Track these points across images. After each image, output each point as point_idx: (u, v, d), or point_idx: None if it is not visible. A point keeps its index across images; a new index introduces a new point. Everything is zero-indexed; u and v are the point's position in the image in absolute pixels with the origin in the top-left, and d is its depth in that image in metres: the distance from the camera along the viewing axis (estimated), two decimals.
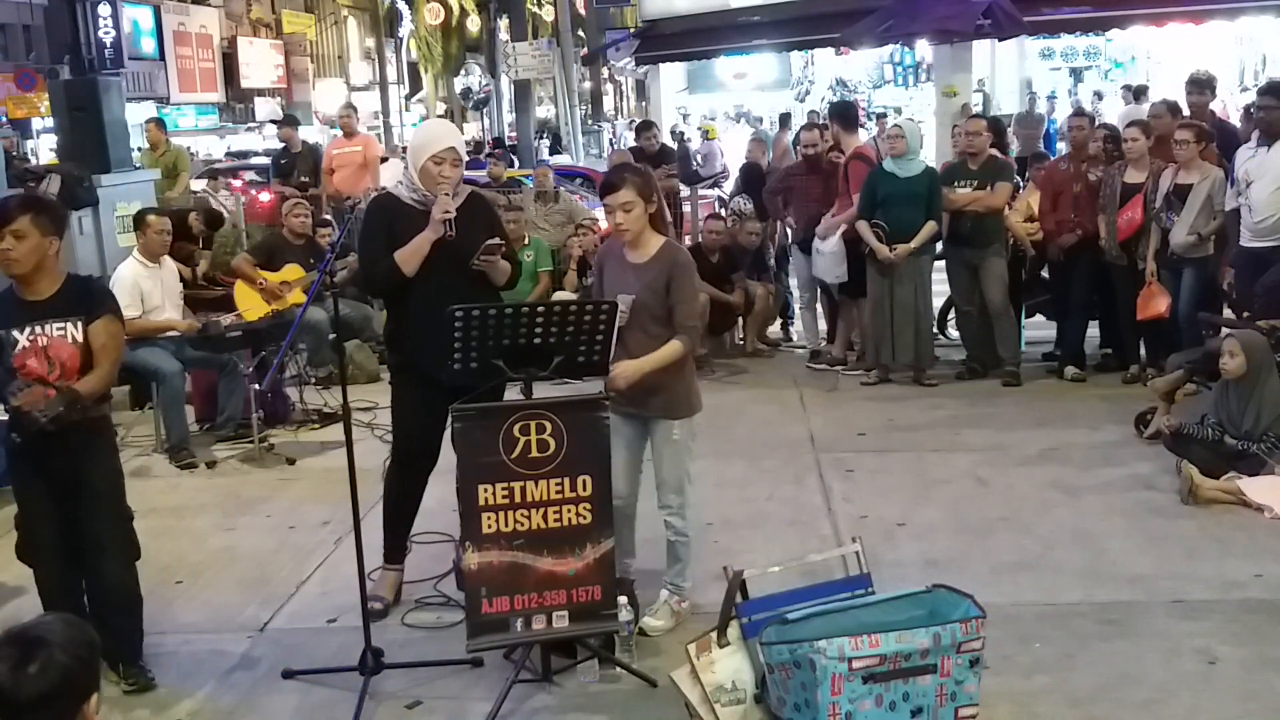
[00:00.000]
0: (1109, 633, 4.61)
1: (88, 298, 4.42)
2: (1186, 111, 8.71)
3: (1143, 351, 8.31)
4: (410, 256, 4.77)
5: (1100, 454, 6.78)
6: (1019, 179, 9.31)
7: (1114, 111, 17.48)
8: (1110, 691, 4.19)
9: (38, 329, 4.27)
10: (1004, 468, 6.63)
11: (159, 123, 14.12)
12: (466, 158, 5.07)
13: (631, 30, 24.66)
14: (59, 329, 4.30)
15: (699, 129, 24.02)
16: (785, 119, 20.75)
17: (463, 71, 45.28)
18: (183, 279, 8.38)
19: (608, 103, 47.82)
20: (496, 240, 4.81)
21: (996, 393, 8.27)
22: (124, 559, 4.52)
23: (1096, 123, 9.52)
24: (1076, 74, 23.62)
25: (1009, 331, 8.53)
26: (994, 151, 8.76)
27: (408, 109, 48.47)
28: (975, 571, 5.11)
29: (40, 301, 4.31)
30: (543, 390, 4.39)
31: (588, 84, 37.93)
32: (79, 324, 4.32)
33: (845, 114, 9.70)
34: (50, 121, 17.70)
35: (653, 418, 4.71)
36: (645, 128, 12.84)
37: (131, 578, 4.56)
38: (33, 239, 4.24)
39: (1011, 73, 21.71)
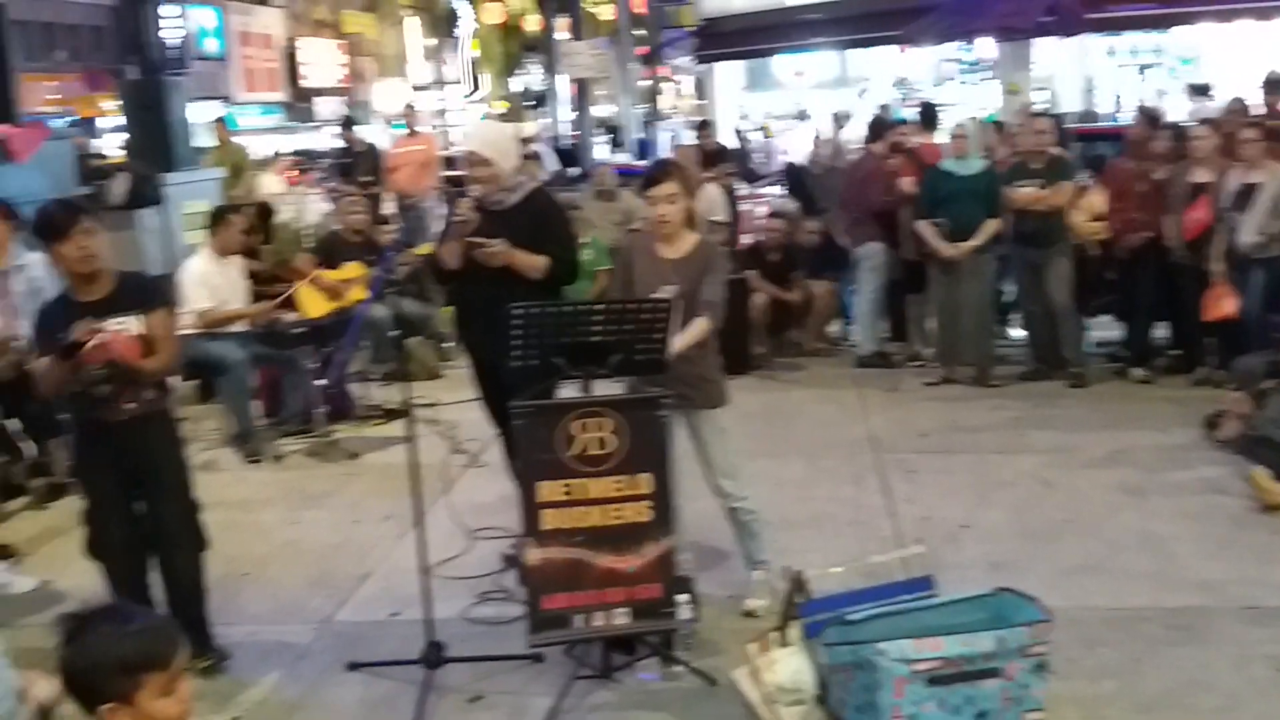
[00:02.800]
0: (1177, 638, 4.54)
1: (143, 291, 4.54)
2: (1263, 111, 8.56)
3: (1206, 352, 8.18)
4: (446, 252, 5.06)
5: (1168, 456, 6.67)
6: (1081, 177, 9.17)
7: (1179, 110, 17.19)
8: (1179, 697, 4.12)
9: (98, 325, 4.35)
10: (1070, 470, 6.54)
11: (224, 122, 14.32)
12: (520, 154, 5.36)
13: (689, 29, 24.63)
14: (118, 324, 4.38)
15: (759, 127, 23.93)
16: (840, 117, 20.60)
17: (521, 71, 45.45)
18: (252, 274, 8.49)
19: (665, 101, 47.73)
20: (480, 239, 4.94)
21: (1061, 394, 8.16)
22: (193, 549, 4.62)
23: (1161, 121, 9.37)
24: (1142, 72, 23.22)
25: (1074, 332, 8.43)
26: (1057, 150, 8.65)
27: (466, 108, 48.72)
28: (1040, 575, 5.05)
29: (98, 300, 4.40)
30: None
31: (646, 83, 37.90)
32: (137, 317, 4.42)
33: (925, 114, 9.84)
34: (119, 120, 17.99)
35: (699, 410, 4.78)
36: (703, 126, 12.82)
37: (198, 568, 4.64)
38: (99, 235, 4.39)
39: (1075, 70, 21.41)
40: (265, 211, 10.72)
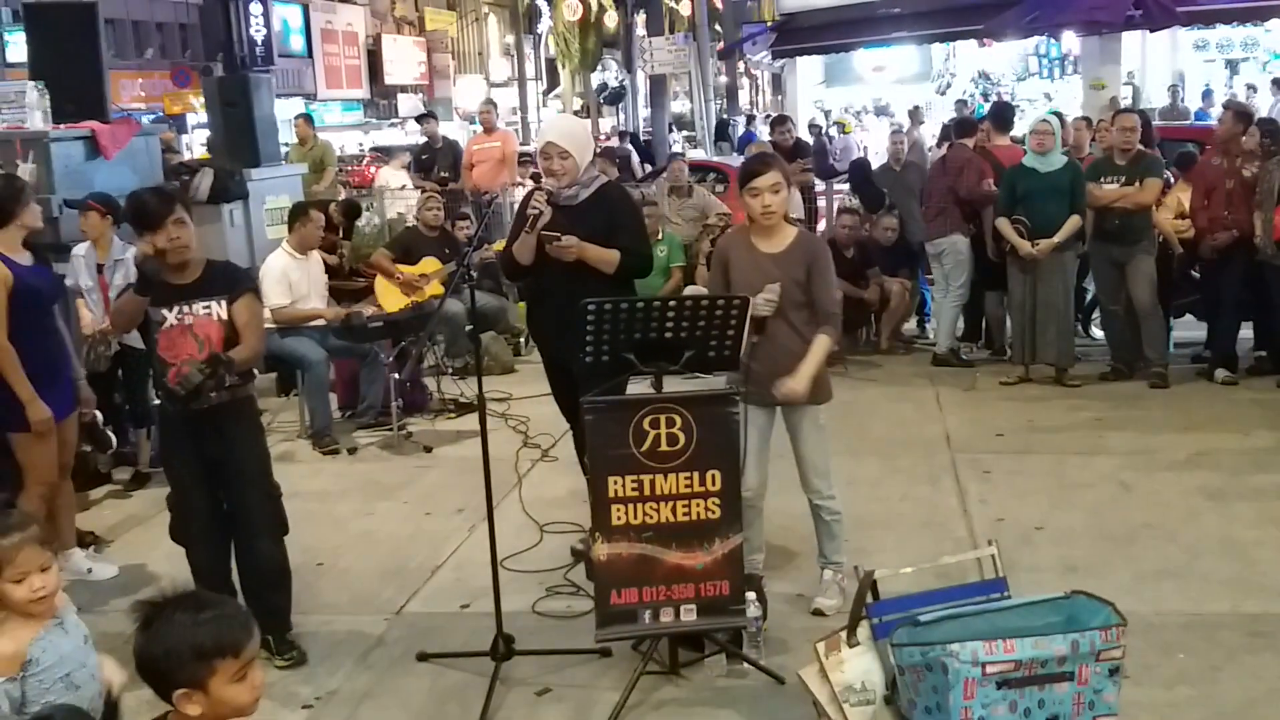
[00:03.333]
0: (1258, 645, 4.44)
1: (229, 278, 4.65)
2: None
3: None
4: (519, 247, 5.07)
5: (1251, 460, 6.52)
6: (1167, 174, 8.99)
7: (1266, 105, 16.77)
8: (1258, 707, 4.03)
9: (184, 308, 4.48)
10: (1149, 472, 6.42)
11: (307, 119, 14.52)
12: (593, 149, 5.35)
13: (768, 24, 24.53)
14: (204, 308, 4.50)
15: (835, 123, 23.77)
16: (916, 113, 20.38)
17: (599, 67, 45.58)
18: (329, 268, 8.63)
19: (743, 97, 47.61)
20: (553, 233, 4.93)
21: (1142, 395, 8.01)
22: (274, 535, 4.70)
23: (1255, 118, 9.14)
24: (1232, 66, 22.67)
25: (1156, 331, 8.26)
26: (1142, 147, 8.48)
27: (545, 105, 48.99)
28: (1116, 579, 4.96)
29: (186, 284, 4.52)
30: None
31: (723, 78, 37.78)
32: (222, 303, 4.52)
33: (1000, 115, 9.90)
34: (204, 117, 18.33)
35: (800, 405, 4.73)
36: (780, 122, 12.76)
37: (281, 553, 4.74)
38: (189, 225, 4.50)
39: (1163, 65, 20.96)
40: (351, 210, 10.90)
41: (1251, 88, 20.70)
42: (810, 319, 4.65)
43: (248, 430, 4.70)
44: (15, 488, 5.12)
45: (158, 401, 6.95)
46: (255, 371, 5.09)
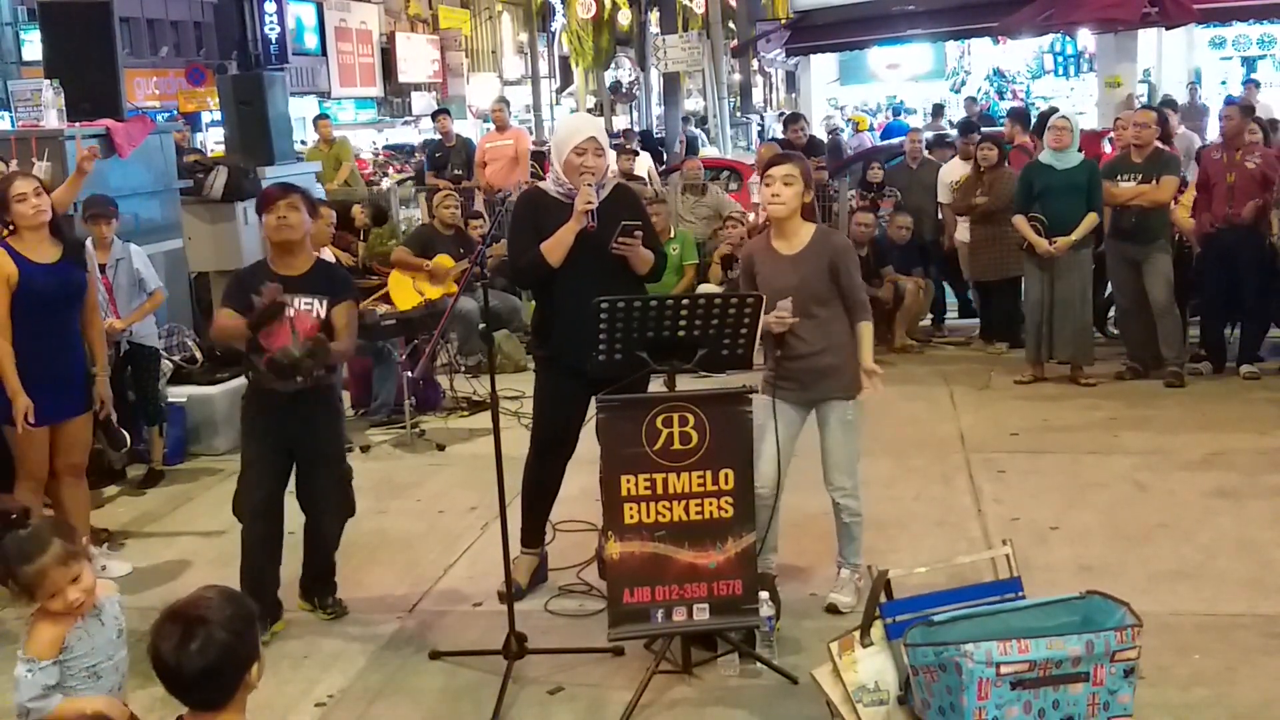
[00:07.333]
0: (1274, 646, 4.41)
1: (335, 281, 4.88)
2: None
3: None
4: (555, 247, 4.78)
5: (1268, 460, 6.48)
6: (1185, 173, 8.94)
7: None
8: (1274, 707, 4.00)
9: (288, 299, 4.65)
10: (1164, 472, 6.38)
11: (327, 117, 14.58)
12: (611, 149, 5.20)
13: (782, 22, 24.49)
14: (306, 304, 4.70)
15: (849, 120, 23.72)
16: (939, 110, 20.32)
17: (613, 65, 45.57)
18: (345, 267, 8.62)
19: (757, 95, 47.57)
20: (635, 221, 4.82)
21: (1158, 394, 7.97)
22: (340, 516, 5.01)
23: (1254, 111, 9.11)
24: (1249, 64, 22.55)
25: (1173, 330, 8.21)
26: (1160, 144, 8.43)
27: (558, 103, 49.02)
28: (1131, 579, 4.94)
29: (293, 276, 4.71)
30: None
31: (737, 76, 37.77)
32: (324, 302, 4.71)
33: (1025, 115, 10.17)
34: (218, 115, 18.39)
35: (826, 400, 4.74)
36: (793, 120, 12.73)
37: (340, 531, 5.05)
38: (301, 213, 4.74)
39: (1179, 63, 20.86)
40: (379, 215, 10.93)
41: (1254, 83, 20.57)
42: (837, 312, 4.69)
43: (329, 415, 4.92)
44: (10, 481, 5.19)
45: (172, 400, 7.05)
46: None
